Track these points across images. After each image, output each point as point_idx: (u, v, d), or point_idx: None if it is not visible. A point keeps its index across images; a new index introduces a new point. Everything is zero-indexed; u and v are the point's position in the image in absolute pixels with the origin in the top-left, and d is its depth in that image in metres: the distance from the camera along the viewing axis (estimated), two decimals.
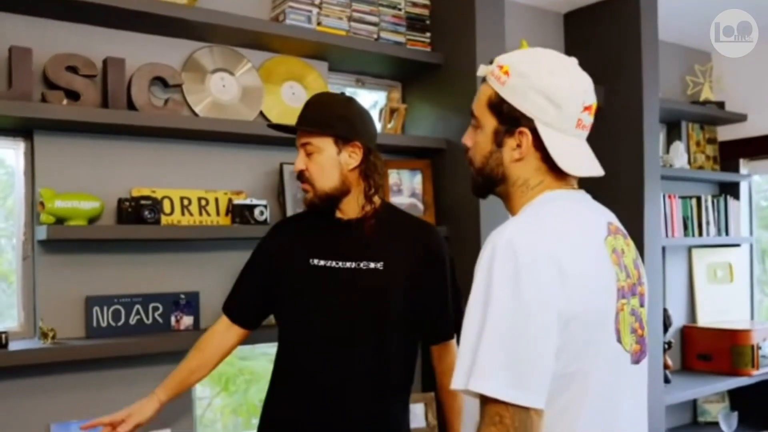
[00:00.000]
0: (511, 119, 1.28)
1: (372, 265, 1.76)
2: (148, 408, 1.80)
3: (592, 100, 1.30)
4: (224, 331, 1.89)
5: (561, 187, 1.31)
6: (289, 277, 1.82)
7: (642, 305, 1.33)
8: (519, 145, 1.28)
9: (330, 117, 1.77)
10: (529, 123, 1.26)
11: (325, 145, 1.75)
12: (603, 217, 1.33)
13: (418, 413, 2.54)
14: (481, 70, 1.35)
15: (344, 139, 1.76)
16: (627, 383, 1.28)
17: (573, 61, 1.32)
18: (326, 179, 1.76)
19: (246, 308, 1.89)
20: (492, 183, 1.34)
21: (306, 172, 1.77)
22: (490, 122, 1.31)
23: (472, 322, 1.16)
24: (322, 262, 1.78)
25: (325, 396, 1.73)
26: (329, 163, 1.76)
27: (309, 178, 1.77)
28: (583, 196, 1.35)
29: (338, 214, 1.82)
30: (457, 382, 1.16)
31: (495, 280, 1.15)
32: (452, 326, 1.86)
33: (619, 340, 1.25)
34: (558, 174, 1.30)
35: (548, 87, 1.26)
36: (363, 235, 1.78)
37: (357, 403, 1.74)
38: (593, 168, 1.31)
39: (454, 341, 1.87)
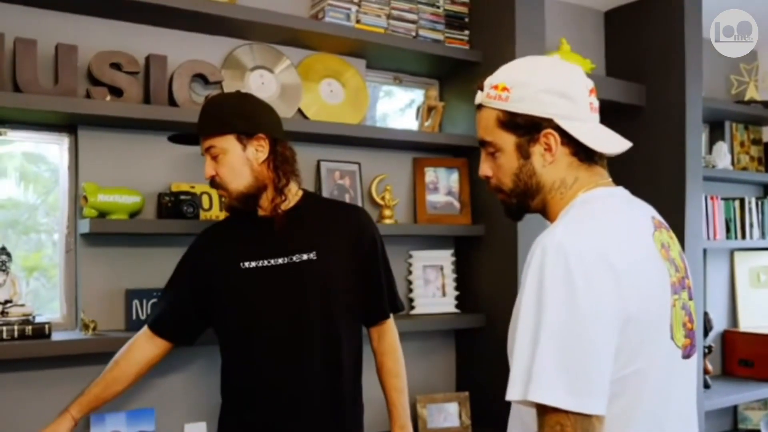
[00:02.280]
0: (530, 127, 1.27)
1: (305, 256, 1.74)
2: (62, 427, 1.76)
3: (591, 82, 1.31)
4: (144, 342, 1.84)
5: (597, 184, 1.29)
6: (224, 285, 1.77)
7: (691, 298, 1.31)
8: (548, 148, 1.27)
9: (226, 115, 1.73)
10: (550, 123, 1.26)
11: (229, 145, 1.72)
12: (646, 212, 1.31)
13: (452, 412, 2.53)
14: (478, 97, 1.34)
15: (247, 134, 1.72)
16: (678, 379, 1.26)
17: (556, 58, 1.39)
18: (238, 179, 1.72)
19: (168, 319, 1.84)
20: (527, 198, 1.33)
21: (216, 177, 1.74)
22: (508, 140, 1.30)
23: (525, 330, 1.13)
24: (253, 264, 1.74)
25: (281, 396, 1.71)
26: (237, 161, 1.72)
27: (221, 183, 1.74)
28: (622, 192, 1.33)
29: (261, 212, 1.79)
30: (513, 393, 1.12)
31: (547, 285, 1.12)
32: (388, 306, 1.88)
33: (671, 337, 1.23)
34: (589, 166, 1.29)
35: (554, 84, 1.27)
36: (292, 227, 1.75)
37: (314, 394, 1.72)
38: (622, 143, 1.32)
39: (391, 319, 1.91)
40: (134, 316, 2.11)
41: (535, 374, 1.09)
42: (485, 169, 1.36)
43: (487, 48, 2.65)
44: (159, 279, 2.18)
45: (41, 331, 1.90)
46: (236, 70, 2.34)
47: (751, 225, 3.60)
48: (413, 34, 2.59)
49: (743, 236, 3.57)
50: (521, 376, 1.11)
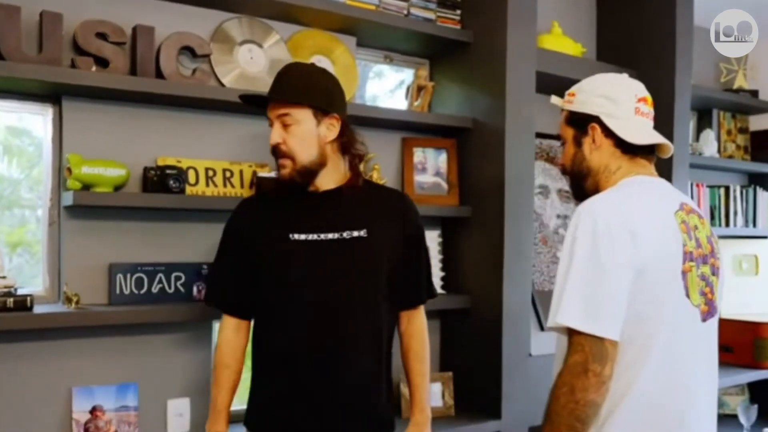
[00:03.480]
0: (582, 123, 1.66)
1: (355, 233, 1.76)
2: None
3: (644, 93, 1.66)
4: (235, 334, 1.86)
5: (637, 173, 1.63)
6: (271, 256, 1.77)
7: (714, 274, 1.60)
8: (593, 139, 1.65)
9: (308, 87, 1.73)
10: (596, 119, 1.64)
11: (305, 117, 1.72)
12: (677, 196, 1.63)
13: (435, 392, 2.54)
14: (557, 101, 1.77)
15: (323, 111, 1.74)
16: (696, 339, 1.55)
17: (624, 75, 1.71)
18: (306, 152, 1.74)
19: (244, 300, 1.84)
20: (581, 179, 1.69)
21: (283, 145, 1.73)
22: (569, 133, 1.70)
23: (560, 273, 1.47)
24: (303, 236, 1.74)
25: (324, 370, 1.72)
26: (309, 135, 1.74)
27: (287, 152, 1.74)
28: (660, 181, 1.66)
29: (311, 188, 1.79)
30: (549, 322, 1.48)
31: (578, 239, 1.46)
32: (425, 293, 1.93)
33: (687, 296, 1.52)
34: (632, 157, 1.63)
35: (605, 90, 1.65)
36: (342, 205, 1.78)
37: (357, 375, 1.74)
38: (655, 138, 1.64)
39: (422, 308, 1.95)
40: (117, 291, 2.10)
41: (562, 305, 1.43)
42: (561, 158, 1.77)
43: (479, 28, 2.63)
44: (143, 253, 2.17)
45: (23, 304, 1.88)
46: (225, 44, 2.31)
47: (735, 213, 3.63)
48: (405, 12, 2.56)
49: (727, 224, 3.60)
50: (554, 308, 1.46)
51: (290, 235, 1.75)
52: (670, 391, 1.49)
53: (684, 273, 1.51)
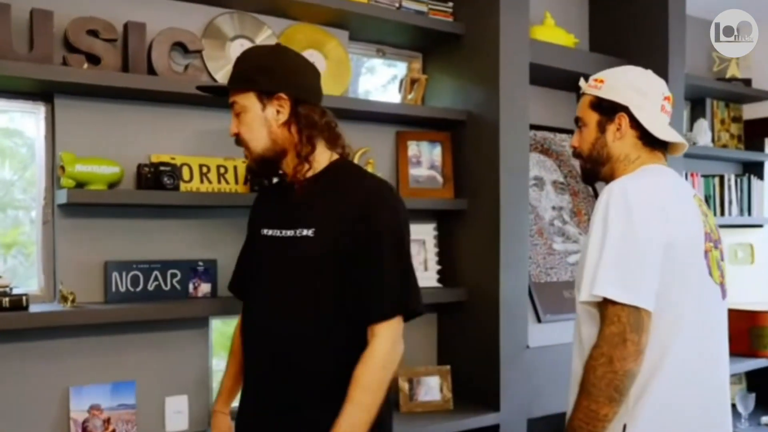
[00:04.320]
0: (610, 110, 1.72)
1: (304, 232, 1.60)
2: (223, 425, 1.86)
3: (668, 92, 1.76)
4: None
5: (656, 163, 1.71)
6: (249, 251, 1.81)
7: (722, 259, 1.71)
8: (619, 127, 1.71)
9: (250, 70, 1.63)
10: (625, 109, 1.70)
11: (249, 102, 1.61)
12: (689, 186, 1.80)
13: (433, 386, 2.54)
14: (582, 85, 1.80)
15: (267, 93, 1.61)
16: (720, 314, 1.67)
17: (649, 71, 1.78)
18: (256, 140, 1.62)
19: (244, 285, 1.83)
20: (599, 164, 1.75)
21: (239, 135, 1.65)
22: (593, 117, 1.75)
23: (593, 250, 1.53)
24: (269, 232, 1.70)
25: (264, 370, 1.67)
26: (256, 121, 1.61)
27: (243, 142, 1.65)
28: (674, 172, 1.74)
29: (289, 179, 1.69)
30: (583, 295, 1.53)
31: (611, 215, 1.52)
32: (385, 307, 1.57)
33: (710, 274, 1.62)
34: (651, 149, 1.71)
35: (636, 82, 1.72)
36: (303, 198, 1.64)
37: (293, 378, 1.61)
38: (677, 137, 1.73)
39: (383, 327, 1.56)
40: (113, 289, 2.09)
41: (598, 277, 1.49)
42: (574, 140, 1.81)
43: (471, 21, 2.62)
44: (138, 251, 2.16)
45: (18, 303, 1.87)
46: (217, 40, 2.30)
47: (730, 202, 3.63)
48: (397, 5, 2.55)
49: (722, 213, 3.60)
50: (589, 281, 1.52)
51: (261, 230, 1.72)
52: (704, 362, 1.59)
53: (706, 252, 1.61)
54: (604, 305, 1.50)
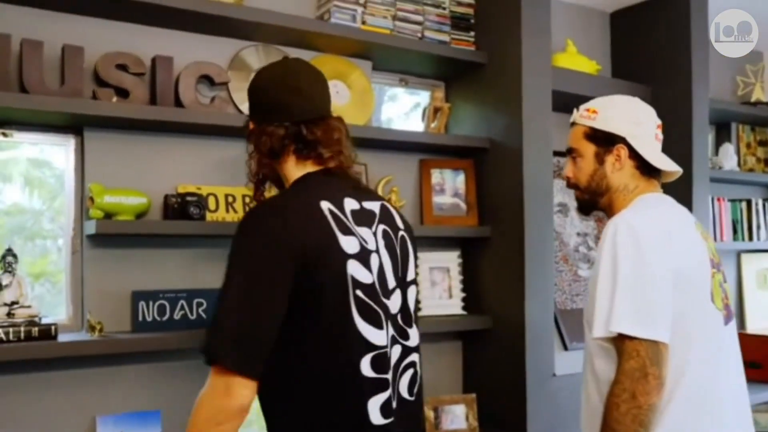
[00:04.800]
0: (607, 140, 1.73)
1: None
2: None
3: (659, 121, 1.78)
4: None
5: (653, 191, 1.74)
6: None
7: (725, 281, 1.74)
8: (618, 158, 1.72)
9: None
10: (623, 140, 1.72)
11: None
12: (688, 212, 1.77)
13: (458, 414, 2.52)
14: (574, 116, 1.81)
15: (249, 120, 1.61)
16: (723, 341, 1.66)
17: (638, 99, 1.80)
18: (252, 175, 1.61)
19: None
20: (597, 195, 1.76)
21: None
22: (589, 149, 1.76)
23: (604, 286, 1.53)
24: None
25: None
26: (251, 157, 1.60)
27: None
28: (672, 199, 1.76)
29: None
30: (598, 332, 1.54)
31: (619, 251, 1.53)
32: (210, 345, 1.35)
33: (711, 300, 1.63)
34: (648, 178, 1.74)
35: (631, 113, 1.74)
36: None
37: None
38: (675, 165, 1.77)
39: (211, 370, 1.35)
40: (140, 318, 2.11)
41: (614, 314, 1.50)
42: (568, 170, 1.82)
43: (493, 49, 2.64)
44: (165, 280, 2.18)
45: (47, 333, 1.89)
46: (242, 72, 2.34)
47: (759, 226, 3.58)
48: (419, 35, 2.58)
49: (750, 238, 3.55)
50: (604, 318, 1.52)
51: None
52: (717, 387, 1.61)
53: (711, 278, 1.63)
54: (621, 340, 1.50)
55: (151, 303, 2.13)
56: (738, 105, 3.63)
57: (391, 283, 1.50)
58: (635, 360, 1.47)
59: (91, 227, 1.98)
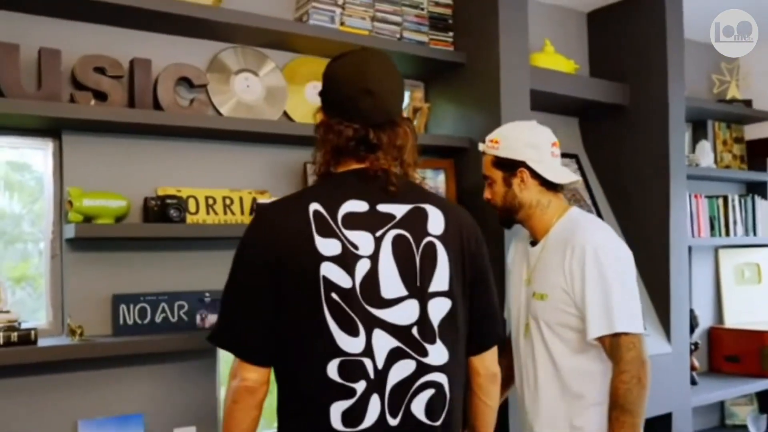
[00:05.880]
0: (510, 166, 1.98)
1: None
2: None
3: (554, 138, 2.02)
4: None
5: (568, 206, 2.02)
6: None
7: None
8: (522, 180, 1.97)
9: None
10: (523, 164, 1.96)
11: None
12: None
13: None
14: (481, 147, 2.06)
15: (319, 108, 1.61)
16: None
17: (534, 122, 2.07)
18: None
19: None
20: (512, 212, 2.02)
21: None
22: (498, 174, 2.01)
23: (595, 293, 1.82)
24: None
25: None
26: None
27: None
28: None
29: None
30: (598, 331, 1.82)
31: (606, 266, 1.83)
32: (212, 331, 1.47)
33: None
34: (555, 192, 2.00)
35: (528, 139, 1.98)
36: None
37: None
38: (572, 177, 2.02)
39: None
40: (121, 321, 2.10)
41: (616, 316, 1.80)
42: (486, 193, 2.06)
43: (472, 49, 2.66)
44: (145, 283, 2.18)
45: (27, 338, 1.88)
46: (221, 74, 2.34)
47: (735, 222, 3.63)
48: (398, 36, 2.59)
49: (727, 233, 3.60)
50: (602, 320, 1.81)
51: None
52: None
53: None
54: (616, 337, 1.80)
55: (132, 306, 2.12)
56: (714, 103, 3.68)
57: (393, 292, 1.41)
58: (634, 351, 1.78)
59: (70, 231, 1.97)
